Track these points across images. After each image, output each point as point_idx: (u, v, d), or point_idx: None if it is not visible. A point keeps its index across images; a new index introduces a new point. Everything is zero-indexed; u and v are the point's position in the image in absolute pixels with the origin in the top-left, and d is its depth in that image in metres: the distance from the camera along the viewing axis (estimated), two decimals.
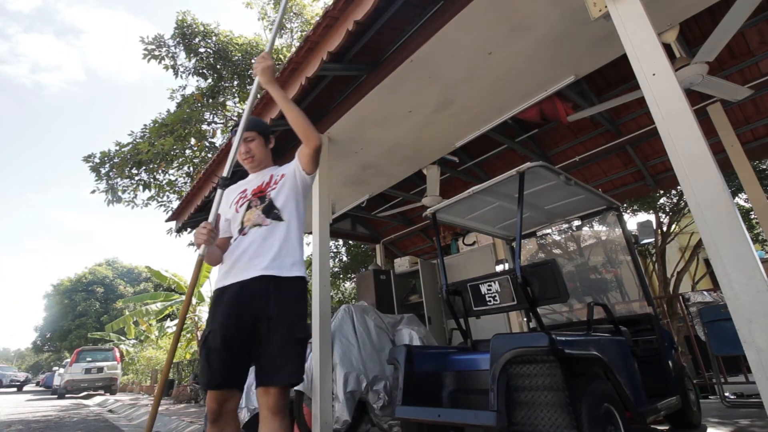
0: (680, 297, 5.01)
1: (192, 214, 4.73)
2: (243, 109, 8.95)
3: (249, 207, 1.73)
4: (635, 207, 8.57)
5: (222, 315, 1.55)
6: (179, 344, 13.87)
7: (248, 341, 1.52)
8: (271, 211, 1.67)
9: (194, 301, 13.25)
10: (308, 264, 11.20)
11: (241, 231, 1.69)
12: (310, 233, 6.96)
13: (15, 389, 23.26)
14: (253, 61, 1.82)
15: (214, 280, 1.77)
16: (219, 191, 1.70)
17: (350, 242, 11.28)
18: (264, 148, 1.89)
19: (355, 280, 11.10)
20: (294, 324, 1.54)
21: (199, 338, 1.97)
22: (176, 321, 15.43)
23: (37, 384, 32.58)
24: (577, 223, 3.76)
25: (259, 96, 1.83)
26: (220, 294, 1.63)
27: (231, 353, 1.49)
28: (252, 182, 1.82)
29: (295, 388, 3.02)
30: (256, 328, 1.52)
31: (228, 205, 1.79)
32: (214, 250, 1.68)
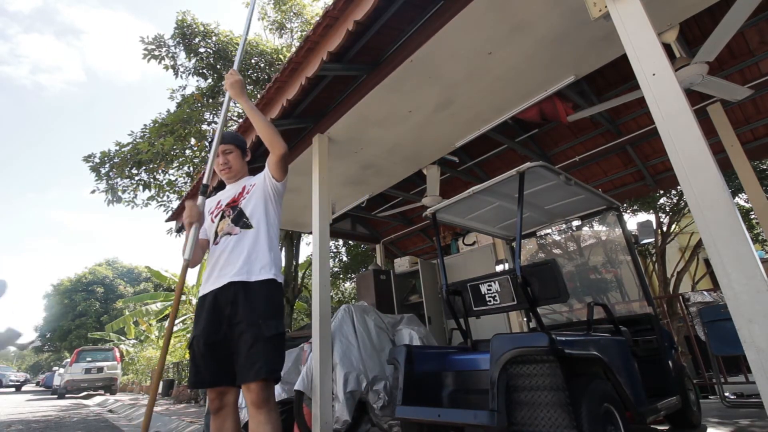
0: (680, 297, 5.01)
1: None
2: (242, 110, 8.96)
3: (222, 217, 1.86)
4: (635, 207, 8.57)
5: (204, 321, 1.70)
6: (179, 344, 13.89)
7: (228, 344, 1.66)
8: (240, 220, 1.79)
9: (194, 301, 13.28)
10: (308, 265, 11.21)
11: (215, 240, 1.83)
12: (310, 233, 6.96)
13: (14, 389, 23.34)
14: (227, 74, 1.96)
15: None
16: (201, 198, 1.87)
17: (350, 242, 11.29)
18: (241, 161, 2.01)
19: (355, 280, 11.10)
20: (262, 324, 1.63)
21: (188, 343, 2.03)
22: (176, 321, 15.41)
23: (37, 384, 32.62)
24: (577, 223, 3.76)
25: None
26: (201, 301, 1.77)
27: (214, 356, 1.64)
28: (227, 193, 1.95)
29: (295, 387, 3.03)
30: (231, 332, 1.65)
31: (206, 214, 1.94)
32: (196, 250, 1.83)
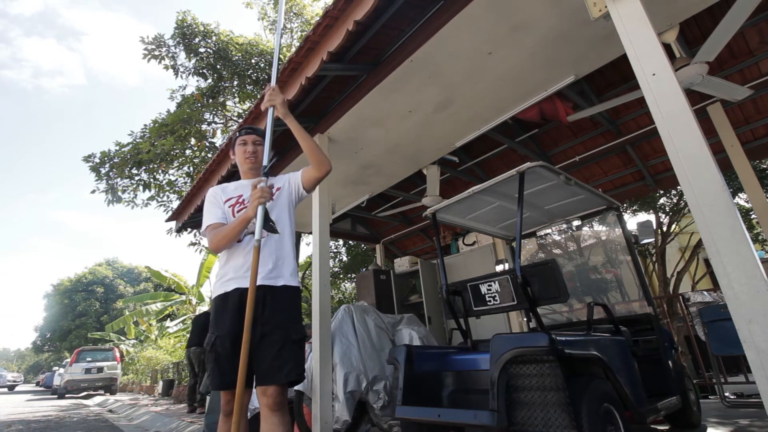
0: (680, 297, 5.01)
1: (192, 214, 4.73)
2: (243, 109, 8.95)
3: None
4: (635, 207, 8.58)
5: (230, 321, 1.63)
6: (179, 344, 13.89)
7: (251, 345, 1.61)
8: (266, 223, 1.71)
9: (194, 301, 13.29)
10: (308, 265, 11.20)
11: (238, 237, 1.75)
12: (310, 233, 6.96)
13: (6, 389, 23.64)
14: (271, 87, 1.94)
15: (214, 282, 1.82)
16: (265, 179, 1.77)
17: (350, 242, 11.28)
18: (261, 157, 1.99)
19: (355, 280, 11.09)
20: (291, 327, 1.64)
21: (206, 344, 1.95)
22: (176, 321, 15.41)
23: (37, 384, 32.67)
24: (577, 223, 3.76)
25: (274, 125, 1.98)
26: (223, 300, 1.70)
27: (237, 356, 1.54)
28: (247, 188, 1.85)
29: (295, 387, 3.03)
30: (252, 333, 1.59)
31: (223, 202, 1.85)
32: (224, 234, 1.75)
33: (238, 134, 1.98)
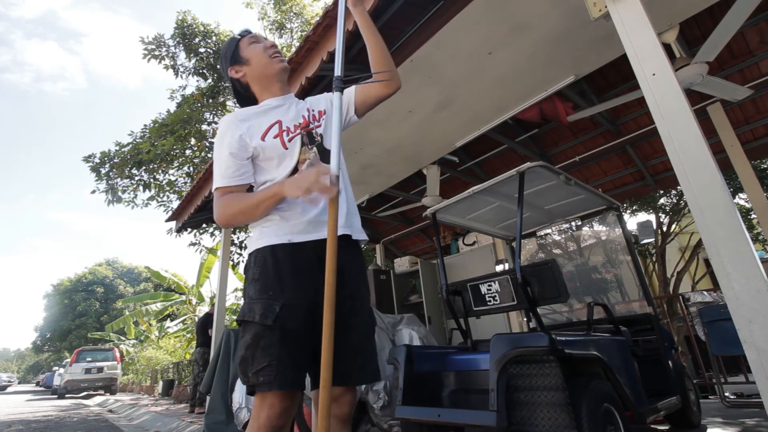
0: (680, 297, 5.01)
1: (192, 214, 4.73)
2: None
3: (303, 143, 1.26)
4: (635, 207, 8.58)
5: (305, 283, 1.11)
6: (179, 344, 13.89)
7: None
8: (326, 156, 1.23)
9: (194, 301, 13.28)
10: None
11: (292, 171, 1.22)
12: None
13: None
14: None
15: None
16: (337, 94, 1.24)
17: None
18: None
19: None
20: (372, 310, 1.25)
21: (258, 317, 0.99)
22: (176, 321, 15.42)
23: (37, 384, 32.71)
24: (577, 223, 3.76)
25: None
26: (289, 253, 1.14)
27: (311, 336, 1.09)
28: (282, 110, 1.30)
29: None
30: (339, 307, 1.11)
31: (256, 135, 1.22)
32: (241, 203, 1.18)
33: (239, 37, 1.36)
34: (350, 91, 1.39)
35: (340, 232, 1.12)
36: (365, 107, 1.38)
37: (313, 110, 1.37)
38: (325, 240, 1.06)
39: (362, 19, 1.38)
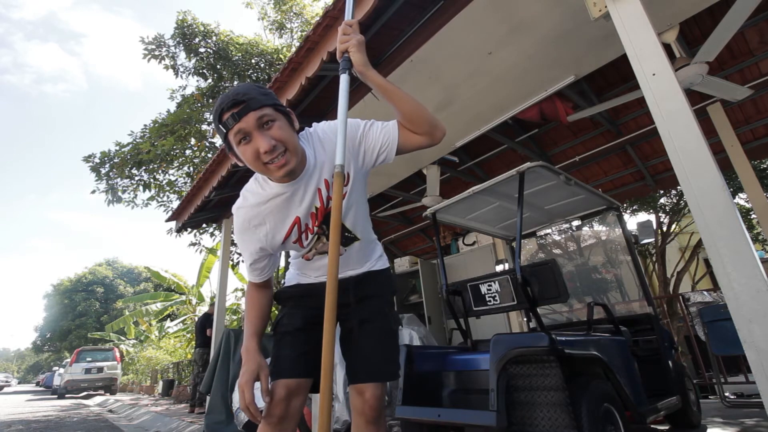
0: (680, 297, 5.01)
1: (192, 214, 4.73)
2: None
3: (318, 238, 1.28)
4: (635, 207, 8.58)
5: (312, 301, 1.29)
6: (179, 344, 13.88)
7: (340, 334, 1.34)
8: (343, 236, 1.26)
9: (194, 301, 13.28)
10: None
11: (305, 255, 1.33)
12: None
13: None
14: (342, 33, 1.12)
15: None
16: (344, 77, 1.18)
17: None
18: (291, 131, 1.14)
19: None
20: (389, 313, 1.39)
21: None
22: (176, 321, 15.42)
23: (37, 384, 32.73)
24: (577, 223, 3.76)
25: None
26: (305, 288, 1.37)
27: (313, 334, 1.23)
28: (298, 198, 1.20)
29: None
30: (344, 310, 1.30)
31: (277, 241, 1.23)
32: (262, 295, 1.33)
33: (220, 120, 1.08)
34: (393, 131, 1.23)
35: (352, 273, 1.33)
36: (403, 151, 1.27)
37: (331, 177, 1.22)
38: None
39: (377, 83, 1.20)
